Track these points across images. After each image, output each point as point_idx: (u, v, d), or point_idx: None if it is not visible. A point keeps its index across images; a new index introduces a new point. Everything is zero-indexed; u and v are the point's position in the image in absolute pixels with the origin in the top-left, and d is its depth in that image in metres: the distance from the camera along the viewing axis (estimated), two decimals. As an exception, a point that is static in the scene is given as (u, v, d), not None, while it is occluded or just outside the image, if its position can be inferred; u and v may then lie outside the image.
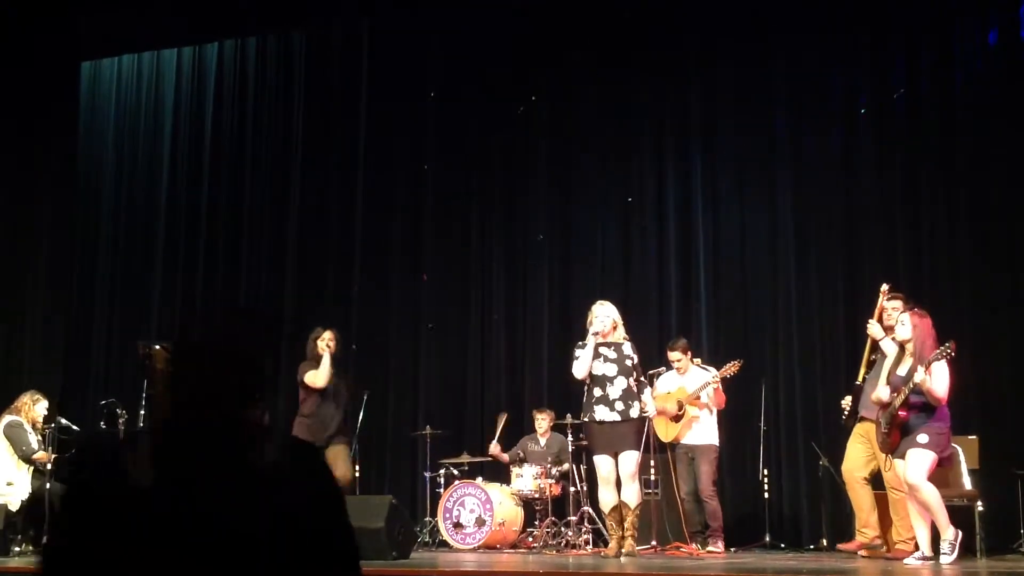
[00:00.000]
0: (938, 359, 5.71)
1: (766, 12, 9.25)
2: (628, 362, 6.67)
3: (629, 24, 9.61)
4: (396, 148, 10.48)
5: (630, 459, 6.56)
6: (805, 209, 9.02)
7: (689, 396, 7.57)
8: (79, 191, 11.23)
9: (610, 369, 6.64)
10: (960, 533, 5.83)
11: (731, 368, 7.58)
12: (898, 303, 6.85)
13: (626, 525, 6.65)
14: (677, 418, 7.59)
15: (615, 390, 6.60)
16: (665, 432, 7.64)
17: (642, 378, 6.77)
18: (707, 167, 9.42)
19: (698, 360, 7.81)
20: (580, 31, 9.78)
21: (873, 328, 6.73)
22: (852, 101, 8.99)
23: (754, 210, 9.25)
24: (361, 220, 10.45)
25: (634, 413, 6.59)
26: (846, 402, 7.03)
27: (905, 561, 5.94)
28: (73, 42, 10.90)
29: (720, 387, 7.55)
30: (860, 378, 6.85)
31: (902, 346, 5.98)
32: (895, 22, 8.82)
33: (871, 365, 6.77)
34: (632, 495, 6.61)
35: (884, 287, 6.92)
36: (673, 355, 7.75)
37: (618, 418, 6.57)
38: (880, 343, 6.62)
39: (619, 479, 6.64)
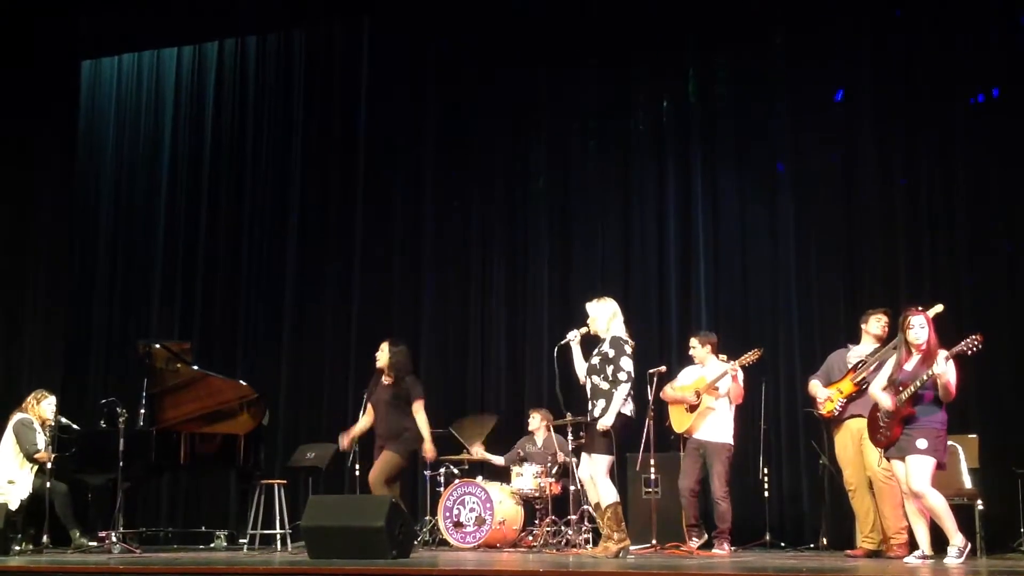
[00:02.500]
0: (965, 351, 5.70)
1: (766, 11, 9.24)
2: (596, 359, 6.46)
3: (629, 21, 9.61)
4: (396, 147, 10.48)
5: (594, 461, 6.40)
6: (805, 208, 9.02)
7: (707, 385, 7.45)
8: (79, 190, 11.24)
9: (585, 370, 6.56)
10: (969, 543, 5.80)
11: (751, 356, 7.42)
12: (885, 317, 6.96)
13: (602, 524, 6.57)
14: (693, 408, 7.52)
15: (588, 391, 6.51)
16: (680, 423, 7.56)
17: (618, 375, 6.35)
18: (707, 166, 9.42)
19: (724, 356, 7.71)
20: (580, 29, 9.79)
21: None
22: (852, 99, 8.97)
23: (754, 209, 9.24)
24: (361, 219, 10.46)
25: (596, 412, 6.37)
26: (824, 394, 6.93)
27: (905, 560, 5.95)
28: (73, 40, 10.91)
29: (739, 378, 7.44)
30: (859, 376, 6.80)
31: (909, 348, 5.94)
32: (895, 20, 8.81)
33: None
34: (601, 495, 6.40)
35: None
36: (694, 341, 7.67)
37: (588, 419, 6.49)
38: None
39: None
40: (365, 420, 7.72)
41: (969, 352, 5.73)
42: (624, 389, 6.36)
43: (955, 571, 5.29)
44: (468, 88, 10.25)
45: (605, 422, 6.30)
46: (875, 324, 7.00)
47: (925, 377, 5.73)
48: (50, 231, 10.78)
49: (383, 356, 7.59)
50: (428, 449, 7.59)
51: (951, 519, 5.71)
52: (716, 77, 9.46)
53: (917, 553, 5.86)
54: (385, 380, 7.58)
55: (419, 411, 7.52)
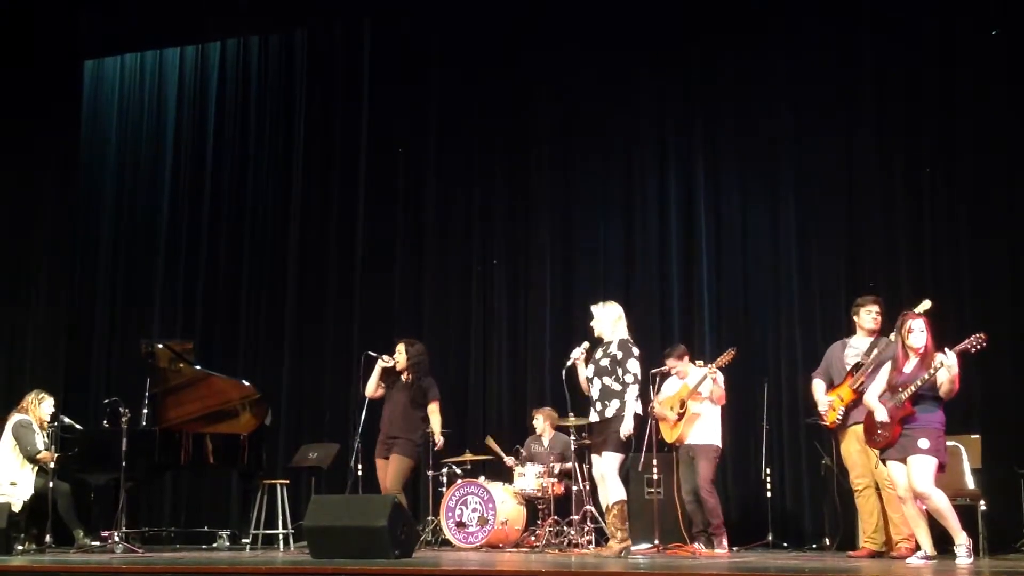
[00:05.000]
0: (969, 349, 5.70)
1: (767, 9, 9.24)
2: (605, 361, 6.57)
3: (631, 20, 9.62)
4: (397, 146, 10.48)
5: (605, 459, 6.49)
6: (807, 207, 9.01)
7: (690, 391, 7.52)
8: (82, 189, 11.25)
9: (591, 371, 6.65)
10: (971, 541, 5.79)
11: (725, 357, 7.45)
12: (876, 307, 6.90)
13: (606, 524, 6.59)
14: (680, 416, 7.55)
15: (595, 391, 6.60)
16: (669, 434, 7.61)
17: (624, 377, 6.50)
18: (709, 164, 9.41)
19: (700, 361, 7.76)
20: (581, 27, 9.79)
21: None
22: (854, 95, 8.96)
23: (756, 207, 9.24)
24: (363, 218, 10.47)
25: (609, 412, 6.48)
26: (825, 402, 6.90)
27: (908, 561, 5.93)
28: (76, 40, 10.92)
29: (719, 380, 7.47)
30: (858, 383, 6.80)
31: (907, 350, 5.92)
32: (897, 17, 8.80)
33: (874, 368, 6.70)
34: (609, 493, 6.49)
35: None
36: (670, 362, 7.71)
37: (597, 419, 6.57)
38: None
39: None
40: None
41: (973, 350, 5.73)
42: (633, 391, 6.51)
43: (960, 571, 5.29)
44: (469, 87, 10.25)
45: (626, 429, 6.43)
46: (866, 317, 6.95)
47: (926, 376, 5.71)
48: (53, 231, 10.80)
49: (401, 357, 7.60)
50: (439, 441, 7.74)
51: (955, 518, 5.71)
52: (718, 75, 9.45)
53: (919, 554, 5.85)
54: (403, 379, 7.59)
55: (435, 412, 7.60)
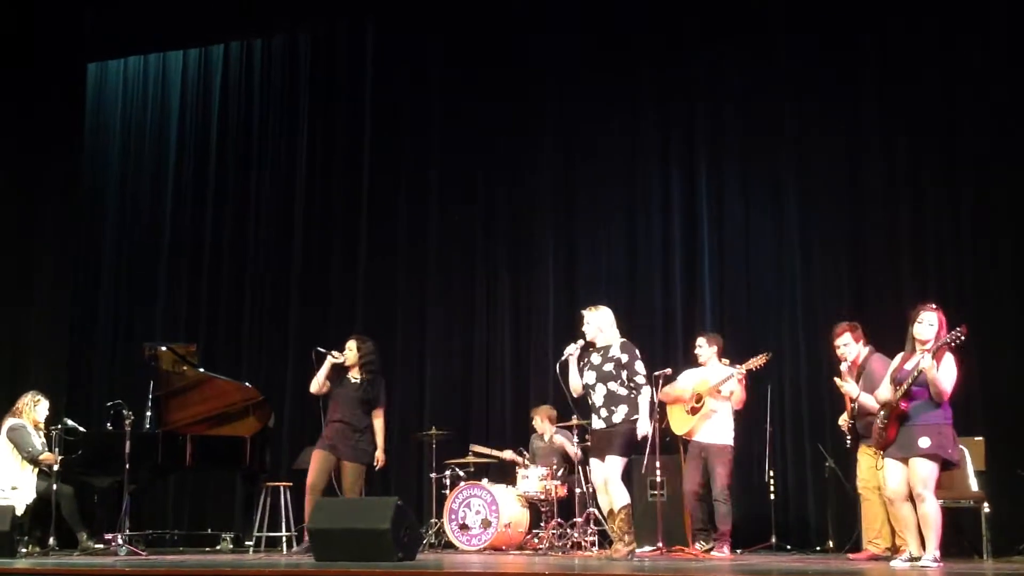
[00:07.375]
0: (949, 344, 5.49)
1: (769, 9, 9.24)
2: (609, 366, 6.50)
3: (635, 20, 9.62)
4: (401, 148, 10.49)
5: (610, 463, 6.43)
6: (810, 211, 9.00)
7: (711, 388, 7.47)
8: (85, 191, 11.26)
9: (591, 377, 6.55)
10: (941, 564, 5.63)
11: (759, 361, 7.40)
12: (847, 336, 6.79)
13: (613, 528, 6.56)
14: (694, 410, 7.51)
15: (598, 397, 6.53)
16: (680, 425, 7.57)
17: (635, 379, 6.47)
18: (712, 168, 9.40)
19: (726, 360, 7.71)
20: (584, 26, 9.80)
21: (846, 387, 6.61)
22: (857, 96, 8.95)
23: (759, 212, 9.23)
24: (366, 221, 10.47)
25: (617, 418, 6.43)
26: (844, 420, 6.88)
27: (891, 564, 5.85)
28: (78, 43, 10.94)
29: (743, 383, 7.43)
30: (846, 423, 6.78)
31: (915, 344, 5.72)
32: (899, 17, 8.79)
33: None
34: (614, 498, 6.45)
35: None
36: (700, 340, 7.70)
37: (603, 425, 6.50)
38: (855, 398, 6.55)
39: None
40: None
41: (953, 344, 5.49)
42: (648, 392, 6.51)
43: (961, 573, 5.26)
44: (472, 88, 10.25)
45: (644, 429, 6.41)
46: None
47: (916, 373, 5.53)
48: (56, 233, 10.80)
49: (351, 354, 7.46)
50: (380, 458, 7.44)
51: (939, 532, 5.55)
52: (721, 77, 9.45)
53: (927, 556, 5.70)
54: (353, 377, 7.44)
55: (379, 417, 7.41)
